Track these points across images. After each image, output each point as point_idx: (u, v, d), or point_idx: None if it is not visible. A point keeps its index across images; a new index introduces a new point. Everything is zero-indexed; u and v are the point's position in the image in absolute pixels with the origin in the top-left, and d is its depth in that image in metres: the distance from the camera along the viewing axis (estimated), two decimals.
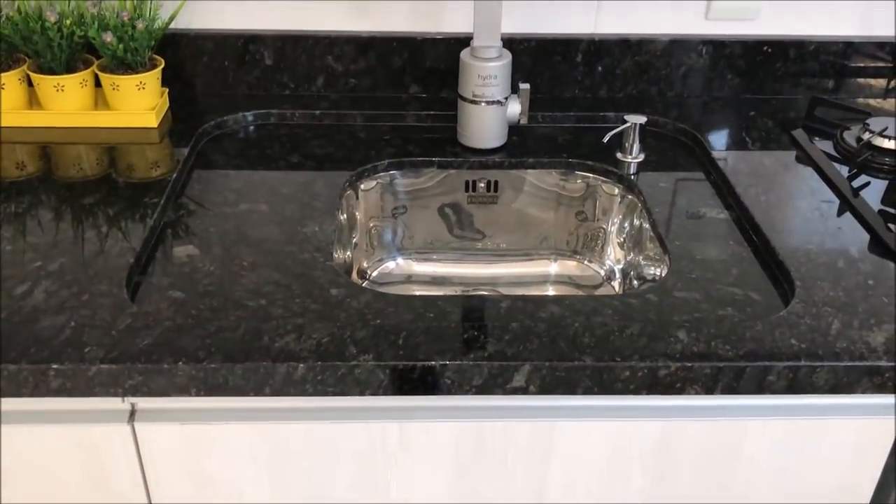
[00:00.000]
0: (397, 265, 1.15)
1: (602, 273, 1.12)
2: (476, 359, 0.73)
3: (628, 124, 1.07)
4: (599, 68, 1.23)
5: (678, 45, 1.22)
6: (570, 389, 0.75)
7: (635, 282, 1.05)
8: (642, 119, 1.08)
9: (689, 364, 0.74)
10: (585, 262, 1.14)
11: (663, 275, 0.91)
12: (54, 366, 0.72)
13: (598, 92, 1.25)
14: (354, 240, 1.10)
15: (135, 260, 0.86)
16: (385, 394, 0.74)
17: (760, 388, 0.75)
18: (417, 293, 1.13)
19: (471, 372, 0.73)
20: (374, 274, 1.14)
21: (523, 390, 0.74)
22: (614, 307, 0.82)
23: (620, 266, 1.09)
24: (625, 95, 1.25)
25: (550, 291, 1.14)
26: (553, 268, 1.15)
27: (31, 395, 0.73)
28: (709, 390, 0.75)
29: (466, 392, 0.74)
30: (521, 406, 0.80)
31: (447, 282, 1.15)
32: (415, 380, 0.74)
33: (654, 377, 0.74)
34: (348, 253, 1.07)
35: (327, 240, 0.92)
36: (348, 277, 0.87)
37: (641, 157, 1.09)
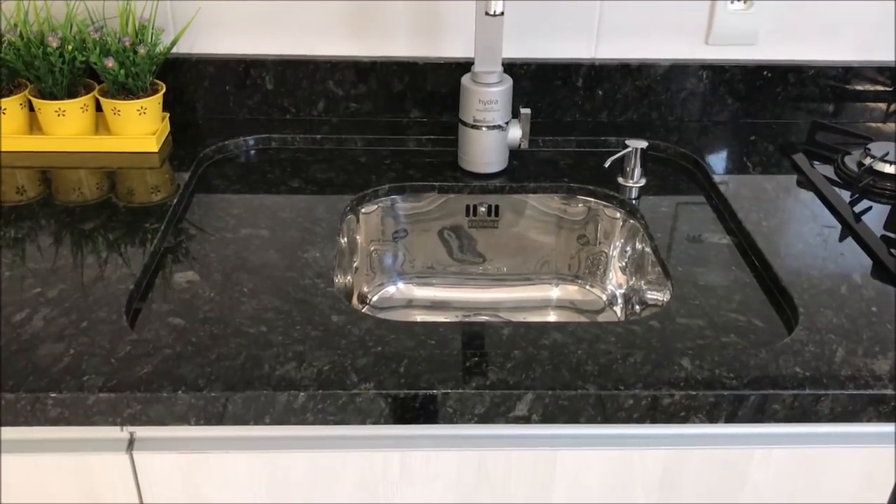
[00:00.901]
0: (398, 289, 1.15)
1: (604, 298, 1.11)
2: (478, 387, 0.73)
3: (629, 149, 1.08)
4: (600, 93, 1.24)
5: (678, 70, 1.22)
6: (573, 418, 0.74)
7: (637, 307, 1.05)
8: (643, 144, 1.08)
9: (694, 392, 0.73)
10: (587, 287, 1.14)
11: (665, 300, 0.91)
12: (52, 394, 0.71)
13: (598, 116, 1.25)
14: (355, 264, 1.10)
15: (135, 286, 0.85)
16: (386, 422, 0.74)
17: (765, 417, 0.74)
18: (418, 318, 1.13)
19: (473, 401, 0.73)
20: (375, 298, 1.13)
21: (526, 419, 0.74)
22: (617, 334, 0.81)
23: (622, 291, 1.08)
24: (625, 120, 1.26)
25: (552, 316, 1.14)
26: (554, 292, 1.15)
27: (29, 423, 0.72)
28: (713, 419, 0.74)
29: (468, 421, 0.74)
30: (523, 434, 0.79)
31: (448, 306, 1.14)
32: (416, 408, 0.73)
33: (658, 406, 0.74)
34: (349, 277, 1.07)
35: (328, 265, 0.92)
36: (349, 304, 0.87)
37: (643, 182, 1.09)
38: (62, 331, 0.79)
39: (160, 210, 1.00)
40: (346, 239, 1.05)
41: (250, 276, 0.89)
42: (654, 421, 0.74)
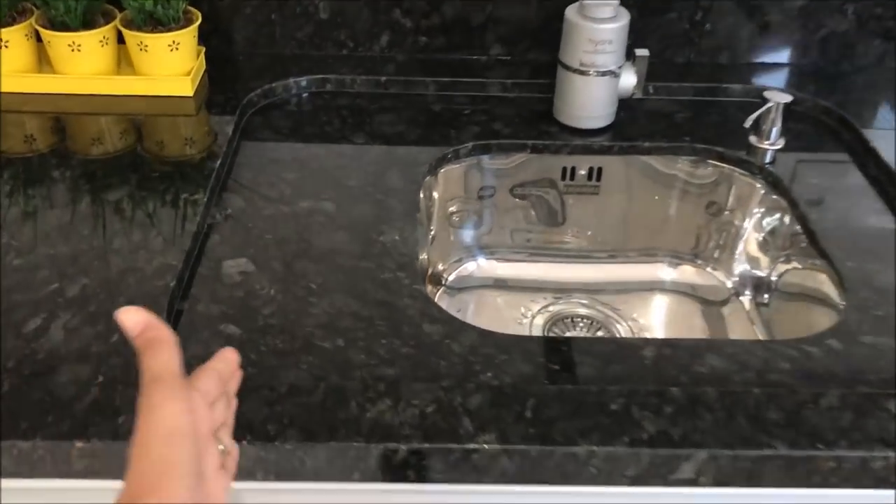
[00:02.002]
0: (478, 266, 0.97)
1: (729, 284, 0.93)
2: (633, 444, 0.56)
3: (770, 104, 0.87)
4: (720, 28, 1.02)
5: (817, 3, 1.01)
6: (753, 482, 0.57)
7: (766, 295, 0.87)
8: (787, 97, 0.87)
9: None
10: (708, 269, 0.95)
11: (821, 294, 0.73)
12: (79, 444, 0.55)
13: (717, 57, 1.04)
14: (431, 234, 0.92)
15: (176, 282, 0.68)
16: (510, 483, 0.57)
17: None
18: (500, 301, 0.95)
19: (626, 461, 0.56)
20: (452, 277, 0.96)
21: (692, 482, 0.57)
22: (791, 358, 0.63)
23: (753, 276, 0.90)
24: (748, 62, 1.04)
25: (662, 301, 0.96)
26: (666, 273, 0.97)
27: (49, 476, 0.56)
28: None
29: (616, 483, 0.57)
30: (679, 493, 0.62)
31: (537, 287, 0.97)
32: (551, 469, 0.56)
33: (866, 468, 0.56)
34: (424, 255, 0.89)
35: (411, 253, 0.74)
36: (443, 309, 0.69)
37: (781, 144, 0.89)
38: (87, 346, 0.62)
39: (200, 173, 0.81)
40: (422, 202, 0.86)
41: (317, 267, 0.72)
42: (856, 486, 0.57)
